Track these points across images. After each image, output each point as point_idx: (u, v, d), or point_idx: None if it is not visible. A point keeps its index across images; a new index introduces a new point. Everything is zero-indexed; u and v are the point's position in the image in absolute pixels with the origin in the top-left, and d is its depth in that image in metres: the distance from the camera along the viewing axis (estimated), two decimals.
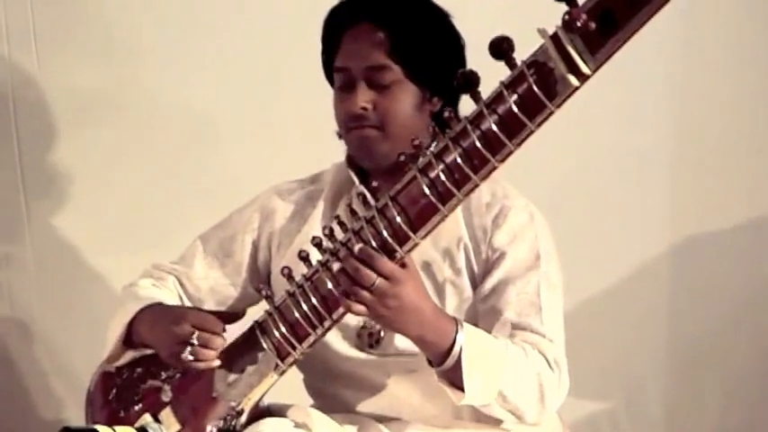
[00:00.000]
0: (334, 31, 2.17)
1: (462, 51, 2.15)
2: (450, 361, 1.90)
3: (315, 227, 2.16)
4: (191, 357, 2.00)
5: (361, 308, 1.87)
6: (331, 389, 2.21)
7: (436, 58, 2.11)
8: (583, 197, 3.26)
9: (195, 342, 2.00)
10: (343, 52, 2.15)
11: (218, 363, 2.03)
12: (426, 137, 2.05)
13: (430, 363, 1.95)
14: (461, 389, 1.90)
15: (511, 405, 1.97)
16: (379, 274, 1.84)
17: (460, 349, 1.90)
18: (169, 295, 2.27)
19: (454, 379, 1.92)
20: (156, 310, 2.15)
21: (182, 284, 2.31)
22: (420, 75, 2.11)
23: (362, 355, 2.14)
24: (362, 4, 2.16)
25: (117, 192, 3.27)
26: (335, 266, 1.92)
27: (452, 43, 2.14)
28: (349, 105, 2.12)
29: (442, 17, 2.15)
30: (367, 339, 2.14)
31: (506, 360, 1.96)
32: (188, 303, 2.30)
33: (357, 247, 1.86)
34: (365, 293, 1.85)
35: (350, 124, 2.13)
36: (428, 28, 2.12)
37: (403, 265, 1.87)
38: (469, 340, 1.91)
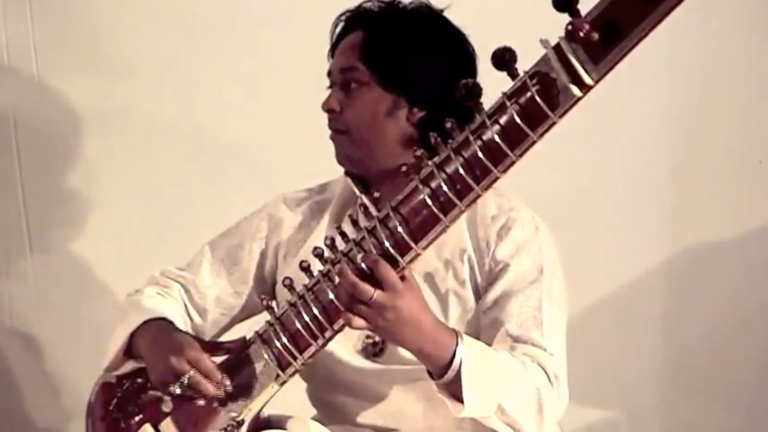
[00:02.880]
0: (335, 39, 2.22)
1: (458, 68, 2.13)
2: (450, 373, 1.90)
3: (320, 239, 2.15)
4: (178, 392, 2.01)
5: (360, 322, 1.87)
6: (334, 398, 2.21)
7: (410, 65, 2.11)
8: (579, 208, 3.26)
9: (186, 381, 2.00)
10: (334, 58, 2.21)
11: (202, 403, 2.04)
12: (411, 147, 2.06)
13: (430, 375, 1.94)
14: (461, 401, 1.90)
15: (509, 418, 1.97)
16: (382, 281, 1.84)
17: (460, 362, 1.89)
18: (174, 305, 2.28)
19: (454, 391, 1.91)
20: (158, 329, 2.14)
21: (187, 292, 2.31)
22: (389, 80, 2.11)
23: (366, 365, 2.14)
24: (355, 14, 2.20)
25: (116, 205, 3.27)
26: (336, 278, 1.92)
27: (441, 56, 2.14)
28: (322, 106, 2.17)
29: (437, 31, 2.16)
30: (371, 349, 2.14)
31: (506, 373, 1.96)
32: (193, 312, 2.31)
33: (360, 255, 1.86)
34: (362, 307, 1.85)
35: (328, 126, 2.18)
36: (406, 36, 2.13)
37: (402, 278, 1.86)
38: (469, 353, 1.91)
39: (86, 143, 3.25)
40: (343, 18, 2.22)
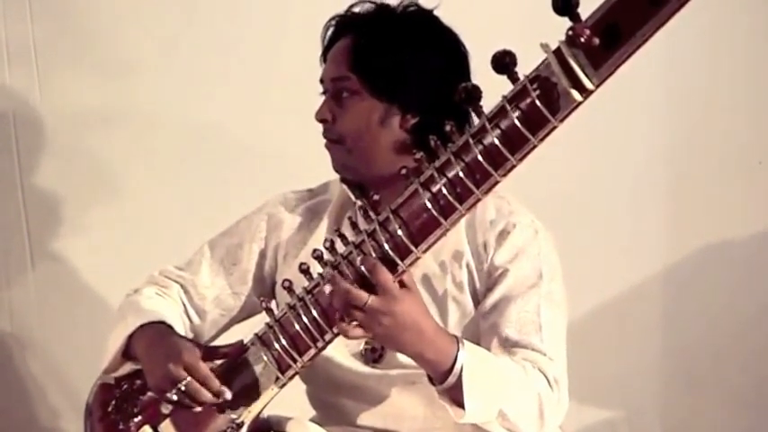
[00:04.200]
0: (326, 44, 2.21)
1: (451, 70, 2.12)
2: (451, 379, 1.89)
3: (319, 241, 2.14)
4: (174, 398, 2.01)
5: (357, 332, 1.87)
6: (334, 400, 2.21)
7: (401, 73, 2.09)
8: (579, 210, 3.28)
9: (183, 389, 2.00)
10: (326, 64, 2.20)
11: (199, 409, 2.04)
12: (406, 153, 2.06)
13: (431, 380, 1.94)
14: (462, 406, 1.90)
15: (510, 423, 1.96)
16: (377, 286, 1.84)
17: (461, 368, 1.89)
18: (173, 306, 2.28)
19: (455, 397, 1.91)
20: (155, 333, 2.14)
21: (186, 293, 2.31)
22: (380, 88, 2.10)
23: (366, 369, 2.14)
24: (344, 19, 2.19)
25: (117, 209, 3.28)
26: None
27: (432, 61, 2.11)
28: (315, 116, 2.16)
29: (428, 34, 2.14)
30: (370, 355, 2.14)
31: (507, 379, 1.96)
32: (192, 313, 2.30)
33: (359, 258, 1.86)
34: (358, 313, 1.85)
35: (322, 135, 2.18)
36: (396, 42, 2.11)
37: (402, 284, 1.87)
38: (470, 359, 1.90)
39: (87, 143, 3.25)
40: (332, 23, 2.20)
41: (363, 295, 1.84)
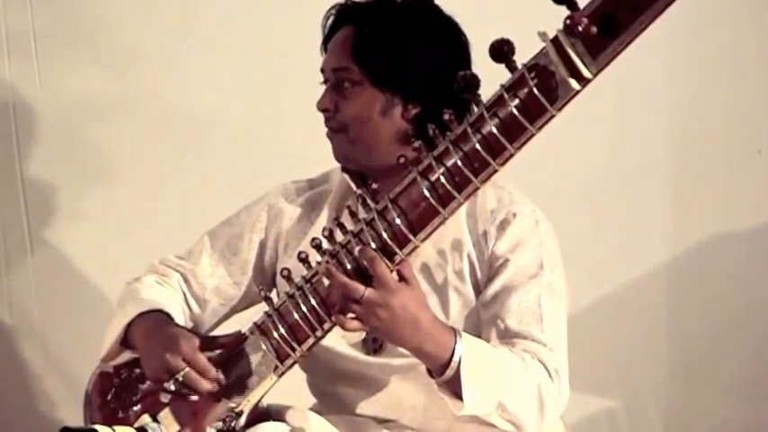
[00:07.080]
0: (327, 33, 2.20)
1: (452, 60, 2.11)
2: (449, 372, 1.90)
3: (320, 231, 2.14)
4: (172, 388, 2.01)
5: (354, 324, 1.88)
6: (334, 389, 2.21)
7: (402, 64, 2.09)
8: (580, 200, 3.27)
9: (181, 379, 2.00)
10: (326, 54, 2.19)
11: (196, 398, 2.04)
12: (408, 143, 2.05)
13: (430, 373, 1.94)
14: (461, 399, 1.90)
15: (510, 415, 1.96)
16: (374, 278, 1.84)
17: (459, 360, 1.89)
18: (173, 295, 2.27)
19: (454, 389, 1.91)
20: (153, 322, 2.13)
21: (187, 282, 2.31)
22: (381, 79, 2.10)
23: (367, 358, 2.14)
24: (344, 8, 2.18)
25: (117, 198, 3.28)
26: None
27: (433, 51, 2.11)
28: (317, 106, 2.16)
29: (429, 23, 2.13)
30: (371, 345, 2.14)
31: (506, 370, 1.96)
32: (192, 302, 2.30)
33: (357, 249, 1.86)
34: (355, 305, 1.86)
35: (324, 125, 2.17)
36: (397, 32, 2.10)
37: (401, 277, 1.87)
38: (468, 351, 1.90)
39: (86, 133, 3.25)
40: (332, 11, 2.19)
41: (360, 288, 1.84)
